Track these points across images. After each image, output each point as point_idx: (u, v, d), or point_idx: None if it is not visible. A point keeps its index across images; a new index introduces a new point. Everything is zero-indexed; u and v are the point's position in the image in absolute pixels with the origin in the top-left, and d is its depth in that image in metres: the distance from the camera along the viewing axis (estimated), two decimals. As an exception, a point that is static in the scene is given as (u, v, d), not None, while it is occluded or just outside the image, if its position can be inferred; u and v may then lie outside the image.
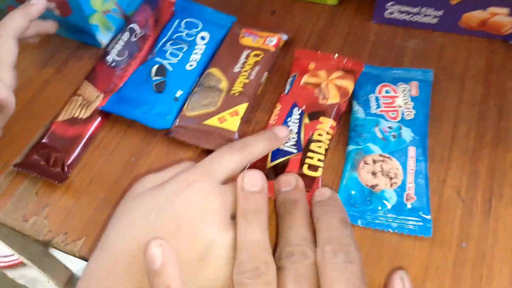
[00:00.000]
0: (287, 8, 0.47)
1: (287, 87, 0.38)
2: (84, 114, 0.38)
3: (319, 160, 0.34)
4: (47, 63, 0.44)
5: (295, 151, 0.35)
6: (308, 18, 0.46)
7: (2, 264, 1.25)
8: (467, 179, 0.35)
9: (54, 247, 0.34)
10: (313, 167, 0.34)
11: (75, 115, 0.38)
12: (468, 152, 0.36)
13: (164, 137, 0.38)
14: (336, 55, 0.39)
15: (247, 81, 0.38)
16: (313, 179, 0.33)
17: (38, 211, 0.35)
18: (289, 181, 0.31)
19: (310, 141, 0.35)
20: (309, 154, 0.34)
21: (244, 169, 0.31)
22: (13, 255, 1.24)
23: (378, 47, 0.43)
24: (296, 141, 0.35)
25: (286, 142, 0.35)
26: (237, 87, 0.38)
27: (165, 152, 0.38)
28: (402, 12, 0.43)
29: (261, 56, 0.40)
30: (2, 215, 0.35)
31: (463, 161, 0.35)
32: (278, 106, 0.38)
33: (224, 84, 0.38)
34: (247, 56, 0.40)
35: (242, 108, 0.37)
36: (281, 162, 0.34)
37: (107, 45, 0.44)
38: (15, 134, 0.39)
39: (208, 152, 0.36)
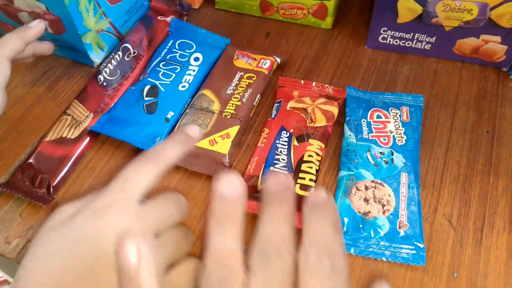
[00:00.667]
0: (281, 31, 0.47)
1: (274, 112, 0.39)
2: (73, 134, 0.38)
3: (310, 180, 0.34)
4: (39, 80, 0.44)
5: (286, 172, 0.34)
6: (302, 41, 0.46)
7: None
8: (458, 207, 0.34)
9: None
10: (305, 187, 0.34)
11: (63, 135, 0.38)
12: (459, 179, 0.36)
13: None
14: (314, 83, 0.40)
15: (239, 103, 0.38)
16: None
17: (21, 233, 0.34)
18: (280, 180, 0.26)
19: (300, 162, 0.35)
20: (301, 174, 0.34)
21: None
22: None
23: (371, 72, 0.43)
24: (286, 162, 0.35)
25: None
26: (229, 109, 0.38)
27: (154, 173, 0.37)
28: (395, 38, 0.43)
29: (254, 78, 0.40)
30: (-16, 236, 0.34)
31: (454, 189, 0.35)
32: (266, 130, 0.38)
33: (216, 106, 0.38)
34: (240, 78, 0.40)
35: (233, 130, 0.37)
36: None
37: (99, 64, 0.43)
38: (2, 153, 0.39)
39: (198, 174, 0.36)
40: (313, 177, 0.34)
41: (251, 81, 0.40)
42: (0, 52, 0.35)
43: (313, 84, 0.40)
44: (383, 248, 0.32)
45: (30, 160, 0.36)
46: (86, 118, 0.39)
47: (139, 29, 0.45)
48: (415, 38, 0.43)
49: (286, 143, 0.36)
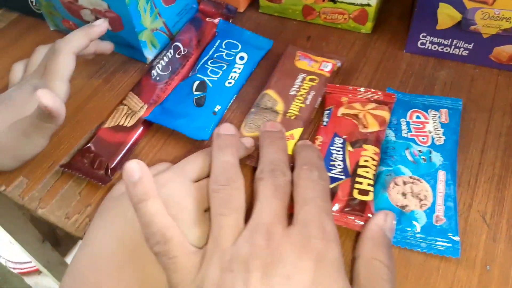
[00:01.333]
0: (322, 34, 0.50)
1: (325, 119, 0.39)
2: (129, 122, 0.41)
3: (368, 184, 0.35)
4: (96, 74, 0.47)
5: (343, 177, 0.35)
6: (342, 45, 0.48)
7: (18, 271, 1.27)
8: (492, 205, 0.35)
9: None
10: (363, 192, 0.34)
11: (120, 123, 0.41)
12: (494, 179, 0.37)
13: (202, 146, 0.40)
14: (362, 88, 0.41)
15: (303, 105, 0.39)
16: (365, 203, 0.34)
17: (81, 210, 0.37)
18: (275, 125, 0.35)
19: (357, 167, 0.36)
20: (358, 179, 0.35)
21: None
22: (30, 262, 1.27)
23: (410, 76, 0.45)
24: (342, 168, 0.36)
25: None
26: (293, 111, 0.39)
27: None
28: (434, 44, 0.45)
29: (316, 81, 0.41)
30: (46, 212, 0.38)
31: (489, 188, 0.36)
32: (320, 138, 0.38)
33: (280, 106, 0.40)
34: (303, 80, 0.41)
35: (297, 132, 0.38)
36: (330, 188, 0.34)
37: (152, 61, 0.47)
38: (62, 137, 0.42)
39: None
40: (371, 182, 0.35)
41: (314, 83, 0.41)
42: (67, 47, 0.39)
43: (361, 89, 0.41)
44: (419, 240, 0.33)
45: (90, 145, 0.40)
46: (141, 108, 0.42)
47: (189, 29, 0.48)
48: (453, 44, 0.44)
49: (340, 149, 0.37)
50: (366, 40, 0.49)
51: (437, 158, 0.36)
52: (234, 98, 0.43)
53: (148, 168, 0.28)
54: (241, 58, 0.45)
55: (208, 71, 0.44)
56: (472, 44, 0.44)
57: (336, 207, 0.34)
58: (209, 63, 0.45)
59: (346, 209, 0.34)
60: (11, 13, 0.56)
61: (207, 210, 0.30)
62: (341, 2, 0.47)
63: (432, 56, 0.46)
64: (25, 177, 0.40)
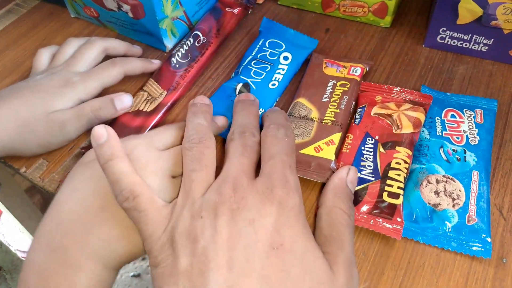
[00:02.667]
0: (341, 27, 0.50)
1: (357, 118, 0.39)
2: (148, 108, 0.41)
3: (399, 187, 0.34)
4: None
5: (372, 178, 0.35)
6: (361, 37, 0.49)
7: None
8: (509, 199, 0.36)
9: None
10: (393, 195, 0.34)
11: (140, 108, 0.41)
12: (511, 174, 0.37)
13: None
14: (398, 88, 0.41)
15: (337, 110, 0.39)
16: (394, 206, 0.34)
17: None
18: (248, 95, 0.38)
19: (387, 169, 0.35)
20: (388, 181, 0.35)
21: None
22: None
23: (428, 70, 0.45)
24: (372, 169, 0.36)
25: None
26: (329, 117, 0.39)
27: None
28: (453, 39, 0.45)
29: (347, 86, 0.41)
30: (66, 194, 0.38)
31: (506, 182, 0.37)
32: (350, 136, 0.38)
33: (315, 114, 0.39)
34: (334, 86, 0.41)
35: (336, 137, 0.37)
36: (359, 189, 0.35)
37: (172, 49, 0.47)
38: (83, 122, 0.43)
39: (305, 180, 0.37)
40: (401, 185, 0.34)
41: (346, 88, 0.41)
42: (124, 67, 0.42)
43: (397, 88, 0.40)
44: (450, 239, 0.33)
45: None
46: (160, 94, 0.42)
47: (208, 19, 0.48)
48: (473, 39, 0.44)
49: (371, 150, 0.37)
50: (385, 34, 0.49)
51: (471, 158, 0.36)
52: (277, 100, 0.43)
53: (115, 132, 0.30)
54: (285, 58, 0.44)
55: (252, 73, 0.43)
56: (492, 39, 0.44)
57: (364, 208, 0.34)
58: (252, 63, 0.44)
59: (375, 211, 0.34)
60: (32, -1, 0.56)
61: (175, 176, 0.32)
62: (361, -5, 0.47)
63: (451, 51, 0.46)
64: (45, 159, 0.40)
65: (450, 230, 0.33)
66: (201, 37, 0.47)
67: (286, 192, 0.28)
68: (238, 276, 0.25)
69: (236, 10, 0.50)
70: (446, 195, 0.35)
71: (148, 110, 0.41)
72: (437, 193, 0.35)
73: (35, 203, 1.08)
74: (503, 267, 0.32)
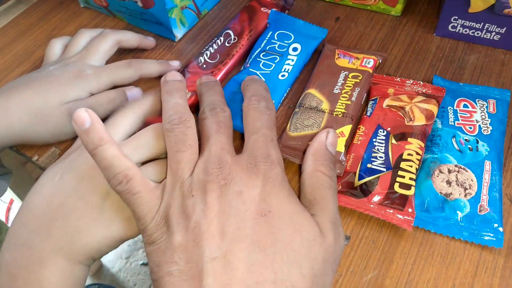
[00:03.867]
0: (351, 16, 0.50)
1: (369, 110, 0.39)
2: None
3: (410, 178, 0.34)
4: (126, 51, 0.48)
5: (384, 169, 0.35)
6: (371, 26, 0.48)
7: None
8: (521, 189, 0.35)
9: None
10: (405, 186, 0.34)
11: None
12: (523, 163, 0.37)
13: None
14: (411, 80, 0.40)
15: (349, 102, 0.39)
16: (406, 197, 0.34)
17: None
18: (209, 77, 0.39)
19: (399, 160, 0.35)
20: (400, 172, 0.34)
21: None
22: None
23: (439, 59, 0.45)
24: (384, 160, 0.35)
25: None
26: (340, 108, 0.38)
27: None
28: (465, 27, 0.45)
29: (360, 78, 0.40)
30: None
31: (518, 172, 0.36)
32: (362, 128, 0.38)
33: (325, 105, 0.39)
34: (345, 78, 0.41)
35: (347, 129, 0.37)
36: (370, 180, 0.35)
37: (204, 47, 0.45)
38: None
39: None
40: (413, 176, 0.34)
41: (358, 80, 0.40)
42: (139, 71, 0.42)
43: (410, 81, 0.40)
44: (462, 229, 0.33)
45: None
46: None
47: (242, 17, 0.47)
48: (485, 28, 0.44)
49: (383, 141, 0.37)
50: (395, 23, 0.48)
51: (483, 148, 0.36)
52: (287, 90, 0.42)
53: (97, 115, 0.30)
54: (294, 49, 0.44)
55: (261, 65, 0.43)
56: (505, 28, 0.43)
57: (375, 199, 0.34)
58: (261, 55, 0.43)
59: (386, 202, 0.34)
60: (42, -11, 0.57)
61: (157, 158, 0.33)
62: (372, -17, 0.47)
63: (462, 40, 0.46)
64: (57, 147, 0.41)
65: (461, 219, 0.33)
66: (232, 37, 0.45)
67: (268, 165, 0.30)
68: (230, 242, 0.27)
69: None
70: (458, 185, 0.34)
71: None
72: (449, 182, 0.35)
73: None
74: (513, 256, 0.32)
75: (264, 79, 0.41)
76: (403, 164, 0.35)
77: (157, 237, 0.29)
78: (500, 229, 0.33)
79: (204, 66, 0.43)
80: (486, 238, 0.33)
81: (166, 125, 0.32)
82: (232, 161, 0.30)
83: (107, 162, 0.29)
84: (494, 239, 0.32)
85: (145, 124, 0.35)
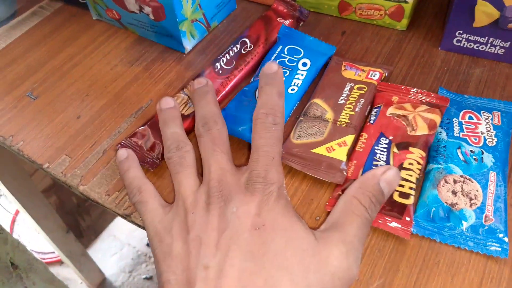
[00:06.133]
0: (357, 30, 0.51)
1: (373, 117, 0.39)
2: (186, 111, 0.41)
3: (410, 188, 0.35)
4: (136, 61, 0.49)
5: None
6: (377, 40, 0.49)
7: (41, 261, 1.31)
8: (526, 200, 0.36)
9: (132, 221, 0.37)
10: (404, 195, 0.34)
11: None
12: (529, 175, 0.37)
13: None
14: (415, 89, 0.41)
15: (353, 113, 0.39)
16: (405, 206, 0.34)
17: (121, 188, 0.39)
18: (200, 81, 0.40)
19: (400, 169, 0.35)
20: (400, 182, 0.35)
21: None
22: (53, 252, 1.30)
23: (444, 72, 0.45)
24: None
25: None
26: (343, 119, 0.39)
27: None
28: (469, 41, 0.45)
29: (365, 89, 0.41)
30: (87, 189, 0.39)
31: (523, 183, 0.37)
32: (364, 135, 0.38)
33: (330, 115, 0.39)
34: (351, 89, 0.41)
35: (349, 139, 0.37)
36: None
37: (220, 53, 0.46)
38: (104, 120, 0.44)
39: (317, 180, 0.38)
40: (413, 185, 0.35)
41: (363, 92, 0.41)
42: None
43: (414, 90, 0.41)
44: (467, 239, 0.33)
45: (146, 126, 0.40)
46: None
47: (258, 26, 0.48)
48: (489, 42, 0.45)
49: (385, 150, 0.37)
50: (401, 37, 0.49)
51: (488, 159, 0.37)
52: (296, 105, 0.43)
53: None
54: (304, 64, 0.45)
55: None
56: (509, 42, 0.44)
57: None
58: None
59: (384, 210, 0.34)
60: (56, 2, 0.58)
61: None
62: (378, -2, 0.48)
63: (467, 54, 0.47)
64: (68, 155, 0.41)
65: (467, 229, 0.33)
66: (248, 44, 0.47)
67: (264, 184, 0.31)
68: (225, 252, 0.28)
69: (287, 22, 0.49)
70: (464, 195, 0.35)
71: (185, 114, 0.41)
72: (454, 192, 0.35)
73: (51, 204, 1.10)
74: (519, 266, 0.32)
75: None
76: (403, 173, 0.35)
77: (159, 245, 0.32)
78: (506, 239, 0.33)
79: (220, 72, 0.44)
80: (491, 248, 0.33)
81: (166, 155, 0.36)
82: (231, 180, 0.33)
83: (128, 181, 0.36)
84: (500, 249, 0.33)
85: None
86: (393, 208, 0.34)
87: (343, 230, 0.30)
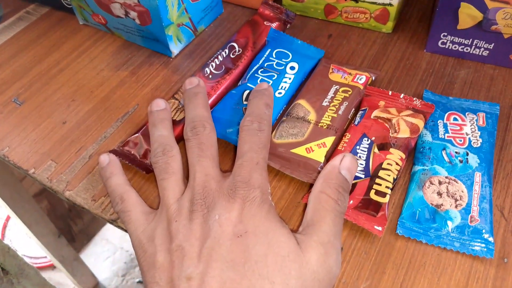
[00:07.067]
0: (343, 33, 0.51)
1: (357, 119, 0.40)
2: (178, 116, 0.42)
3: (387, 187, 0.35)
4: (123, 66, 0.49)
5: (362, 176, 0.36)
6: (363, 43, 0.49)
7: (33, 265, 1.30)
8: (510, 200, 0.36)
9: (118, 226, 0.37)
10: (380, 193, 0.35)
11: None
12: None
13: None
14: (402, 95, 0.41)
15: (335, 115, 0.39)
16: (380, 204, 0.34)
17: (107, 193, 0.38)
18: (192, 81, 0.40)
19: (379, 168, 0.36)
20: (377, 180, 0.35)
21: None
22: (45, 257, 1.30)
23: (430, 74, 0.45)
24: (364, 167, 0.36)
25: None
26: (325, 120, 0.39)
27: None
28: (454, 43, 0.46)
29: (349, 92, 0.41)
30: (73, 194, 0.39)
31: (507, 184, 0.37)
32: (347, 135, 0.39)
33: (312, 116, 0.39)
34: (336, 92, 0.41)
35: (329, 140, 0.38)
36: None
37: (208, 58, 0.46)
38: (90, 124, 0.44)
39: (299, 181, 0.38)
40: (390, 185, 0.35)
41: (347, 95, 0.41)
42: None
43: (401, 96, 0.41)
44: (453, 240, 0.34)
45: (139, 133, 0.40)
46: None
47: (246, 31, 0.48)
48: (474, 44, 0.45)
49: (366, 150, 0.37)
50: (386, 39, 0.50)
51: (473, 160, 0.37)
52: (283, 108, 0.43)
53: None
54: (292, 68, 0.45)
55: (258, 81, 0.43)
56: (493, 44, 0.44)
57: (350, 203, 0.35)
58: (259, 72, 0.44)
59: (360, 207, 0.35)
60: (43, 7, 0.58)
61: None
62: (363, 1, 0.48)
63: (452, 56, 0.47)
64: (53, 161, 0.41)
65: (452, 230, 0.34)
66: (237, 49, 0.47)
67: (247, 190, 0.31)
68: (206, 263, 0.28)
69: (274, 25, 0.49)
70: (449, 196, 0.35)
71: (177, 119, 0.41)
72: (439, 194, 0.35)
73: (42, 208, 1.09)
74: (504, 266, 0.33)
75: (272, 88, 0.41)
76: (381, 173, 0.36)
77: (142, 254, 0.31)
78: (491, 239, 0.33)
79: (210, 76, 0.44)
80: (477, 248, 0.33)
81: (152, 158, 0.36)
82: (215, 187, 0.32)
83: (111, 189, 0.36)
84: (485, 249, 0.33)
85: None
86: (369, 205, 0.34)
87: (319, 229, 0.30)
